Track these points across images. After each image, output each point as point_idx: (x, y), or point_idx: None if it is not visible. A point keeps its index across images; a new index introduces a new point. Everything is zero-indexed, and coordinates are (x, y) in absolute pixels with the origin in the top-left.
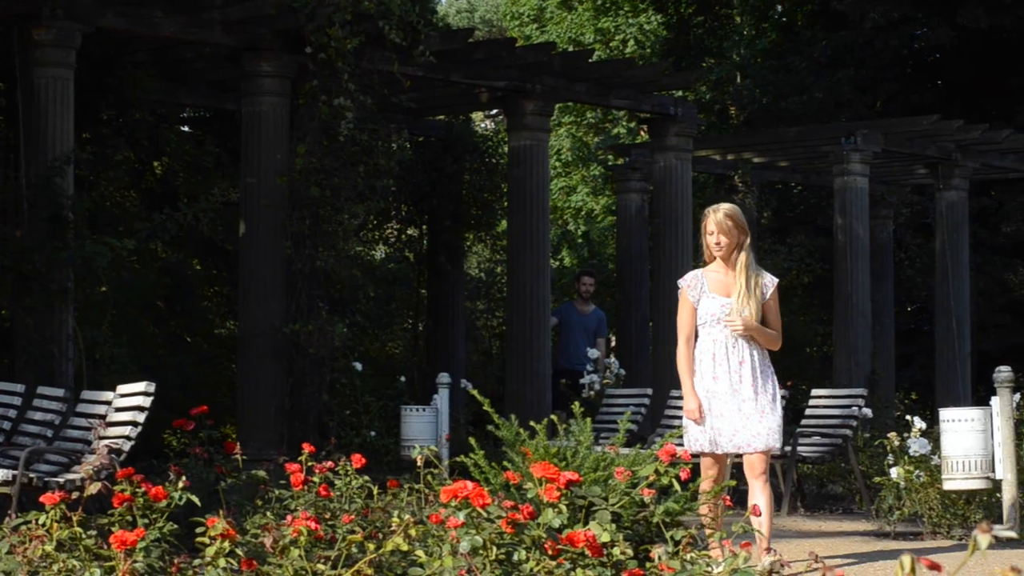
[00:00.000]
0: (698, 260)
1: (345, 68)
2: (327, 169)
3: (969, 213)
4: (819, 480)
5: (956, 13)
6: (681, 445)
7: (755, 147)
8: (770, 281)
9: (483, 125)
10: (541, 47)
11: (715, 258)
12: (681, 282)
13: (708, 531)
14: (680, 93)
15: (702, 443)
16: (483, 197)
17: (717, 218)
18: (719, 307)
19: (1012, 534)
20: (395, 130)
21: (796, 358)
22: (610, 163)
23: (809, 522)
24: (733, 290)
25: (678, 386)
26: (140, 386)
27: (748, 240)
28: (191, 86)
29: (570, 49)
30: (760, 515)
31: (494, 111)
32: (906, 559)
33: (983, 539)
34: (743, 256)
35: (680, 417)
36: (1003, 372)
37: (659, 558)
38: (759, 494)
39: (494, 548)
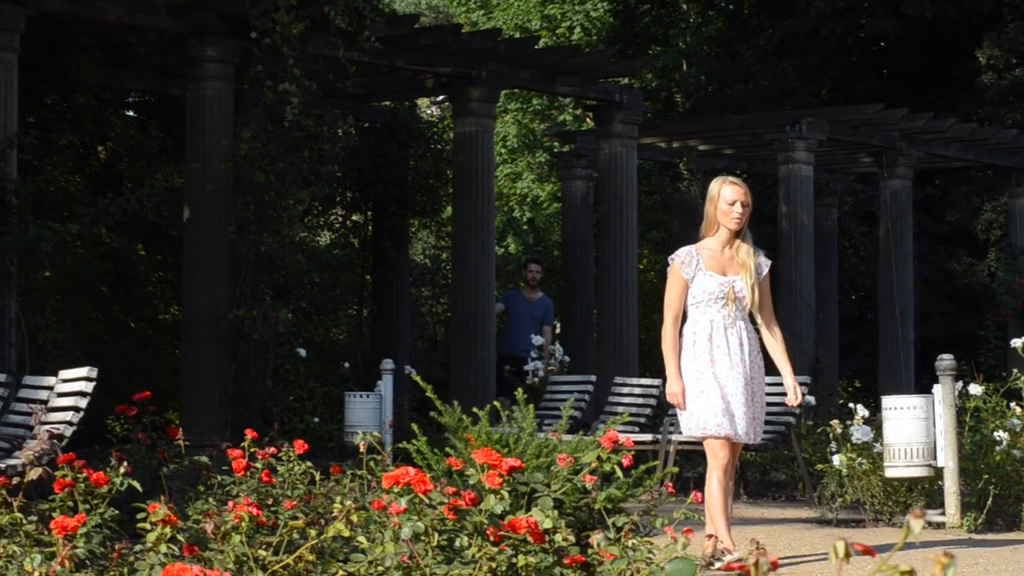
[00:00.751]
0: (643, 247)
1: (290, 53)
2: (272, 154)
3: (913, 202)
4: (762, 467)
5: (901, 2)
6: (624, 432)
7: (700, 135)
8: (764, 261)
9: (429, 111)
10: (487, 33)
11: (727, 230)
12: (674, 257)
13: (714, 520)
14: (626, 80)
15: (721, 425)
16: (428, 183)
17: (743, 189)
18: (718, 285)
19: (943, 519)
20: (340, 116)
21: None
22: (556, 150)
23: (752, 509)
24: (731, 269)
25: (622, 373)
26: (82, 371)
27: None
28: (136, 71)
29: (516, 36)
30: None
31: (440, 97)
32: (839, 544)
33: (916, 524)
34: (748, 235)
35: (623, 404)
36: (945, 360)
37: (598, 544)
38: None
39: (436, 534)
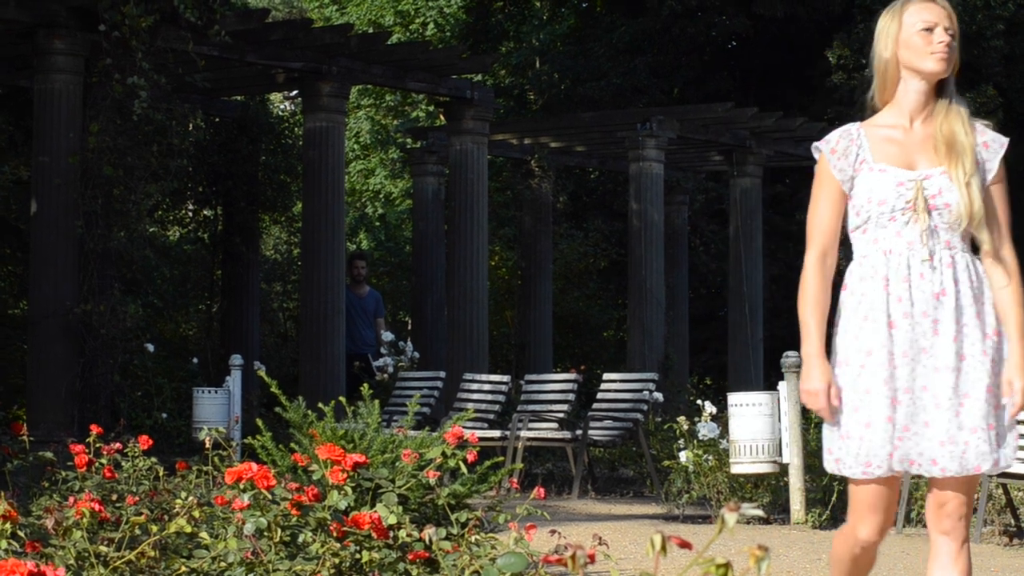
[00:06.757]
0: (494, 243)
1: (139, 47)
2: (120, 148)
3: (763, 200)
4: (610, 463)
5: (753, 2)
6: (473, 428)
7: (552, 132)
8: (994, 140)
9: (283, 106)
10: (338, 28)
11: (920, 83)
12: (821, 145)
13: None
14: (478, 77)
15: (876, 462)
16: (279, 178)
17: (941, 5)
18: (894, 187)
19: (759, 512)
20: (190, 110)
21: (592, 342)
22: (408, 146)
23: (599, 505)
24: (923, 155)
25: (472, 369)
26: None
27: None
28: None
29: (369, 31)
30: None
31: (294, 92)
32: (656, 537)
33: (730, 518)
34: (957, 97)
35: (472, 400)
36: (791, 357)
37: (429, 539)
38: (948, 561)
39: (279, 530)
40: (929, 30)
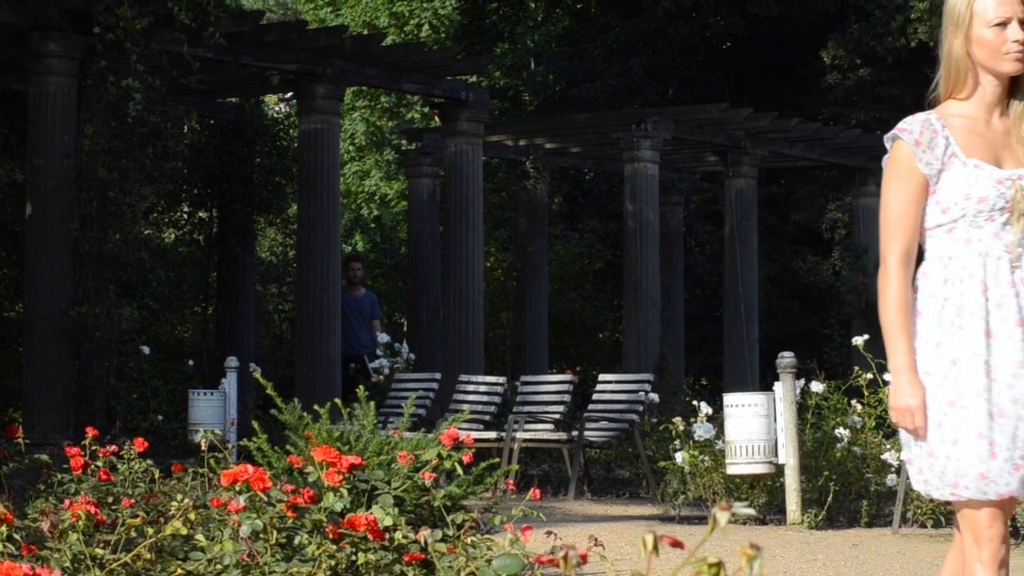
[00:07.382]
0: (490, 244)
1: (134, 49)
2: (115, 150)
3: (758, 200)
4: (607, 464)
5: (747, 2)
6: (468, 429)
7: (547, 133)
8: None
9: (278, 108)
10: (332, 30)
11: (994, 82)
12: (903, 136)
13: None
14: (473, 78)
15: (990, 477)
16: (274, 180)
17: None
18: (993, 185)
19: (750, 512)
20: (185, 112)
21: (587, 343)
22: (403, 148)
23: (595, 506)
24: (1009, 152)
25: (468, 370)
26: None
27: None
28: None
29: (364, 33)
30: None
31: (288, 94)
32: (648, 537)
33: (722, 516)
34: None
35: (468, 401)
36: (786, 358)
37: (425, 541)
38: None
39: (275, 532)
40: (1004, 24)
